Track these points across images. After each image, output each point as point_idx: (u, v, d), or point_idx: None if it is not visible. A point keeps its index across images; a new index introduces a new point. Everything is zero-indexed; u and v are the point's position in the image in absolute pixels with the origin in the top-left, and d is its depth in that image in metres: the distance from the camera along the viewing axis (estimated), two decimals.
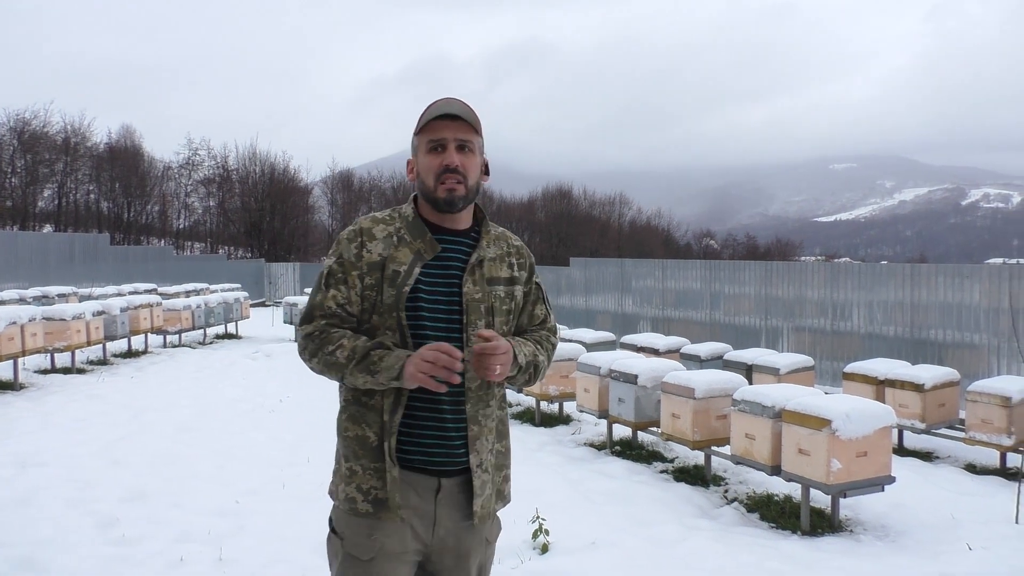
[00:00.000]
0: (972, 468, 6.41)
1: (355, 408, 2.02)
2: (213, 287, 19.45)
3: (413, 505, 1.98)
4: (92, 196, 36.46)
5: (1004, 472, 6.18)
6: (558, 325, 11.28)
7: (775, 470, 5.08)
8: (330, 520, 2.07)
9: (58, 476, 5.58)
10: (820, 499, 5.14)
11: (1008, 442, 6.04)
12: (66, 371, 10.41)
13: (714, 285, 12.80)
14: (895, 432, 6.86)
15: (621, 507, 5.21)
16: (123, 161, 36.54)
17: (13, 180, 32.46)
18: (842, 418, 4.65)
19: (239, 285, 20.71)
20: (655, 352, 8.72)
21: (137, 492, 5.24)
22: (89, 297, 15.49)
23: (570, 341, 9.06)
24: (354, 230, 2.04)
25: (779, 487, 5.53)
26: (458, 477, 2.02)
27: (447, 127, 2.00)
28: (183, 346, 13.84)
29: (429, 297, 1.99)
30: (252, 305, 18.26)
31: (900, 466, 5.53)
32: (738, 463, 5.42)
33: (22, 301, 13.39)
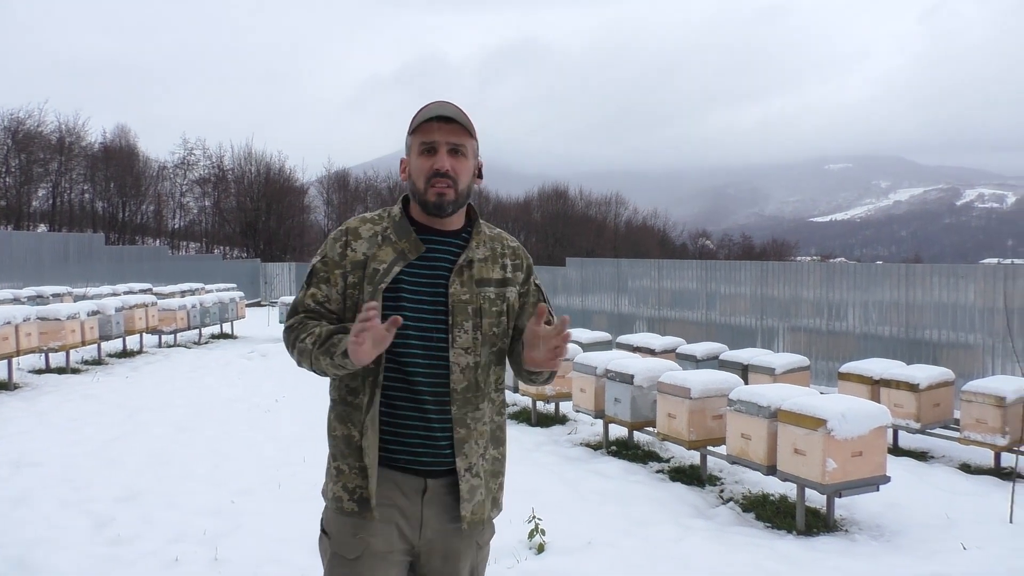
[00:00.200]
0: (967, 468, 6.42)
1: (341, 408, 2.02)
2: (208, 287, 19.40)
3: (399, 505, 1.97)
4: (87, 196, 36.36)
5: (998, 472, 6.20)
6: None
7: (771, 470, 5.09)
8: (321, 520, 2.08)
9: (52, 476, 5.56)
10: (815, 499, 5.15)
11: (1002, 442, 6.06)
12: (61, 371, 10.38)
13: (710, 285, 12.81)
14: (890, 432, 6.87)
15: (617, 507, 5.21)
16: (118, 161, 36.43)
17: (7, 180, 32.36)
18: (837, 418, 4.66)
19: (235, 285, 20.67)
20: (651, 352, 8.73)
21: (132, 492, 5.23)
22: (84, 297, 15.43)
23: None
24: (341, 230, 2.06)
25: (775, 487, 5.54)
26: (445, 479, 2.00)
27: (439, 130, 1.99)
28: (178, 346, 13.81)
29: (412, 297, 1.98)
30: (248, 305, 18.22)
31: (895, 466, 5.54)
32: (734, 463, 5.43)
33: (16, 301, 13.34)
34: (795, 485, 4.95)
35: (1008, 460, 6.21)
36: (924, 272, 9.80)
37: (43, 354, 10.26)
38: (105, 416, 7.73)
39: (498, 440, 2.10)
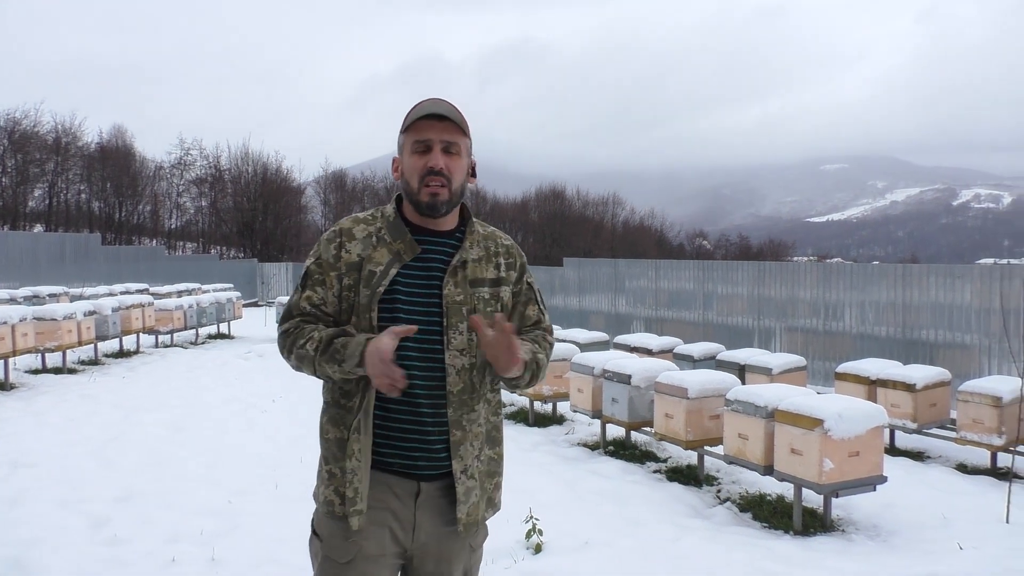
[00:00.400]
0: (963, 468, 6.43)
1: (335, 410, 2.00)
2: (205, 287, 19.37)
3: (392, 508, 1.96)
4: (83, 196, 36.31)
5: (995, 472, 6.21)
6: (553, 325, 11.28)
7: (768, 470, 5.09)
8: (312, 521, 2.06)
9: (49, 476, 5.55)
10: (812, 499, 5.15)
11: (999, 442, 6.07)
12: (57, 371, 10.36)
13: (707, 285, 12.82)
14: (887, 432, 6.88)
15: (614, 507, 5.21)
16: (114, 161, 36.38)
17: (3, 180, 32.31)
18: (834, 418, 4.66)
19: (231, 285, 20.63)
20: (648, 352, 8.73)
21: (128, 492, 5.22)
22: (80, 297, 15.41)
23: (564, 341, 9.07)
24: (334, 231, 2.03)
25: (772, 487, 5.55)
26: (439, 482, 1.98)
27: (433, 128, 1.96)
28: (175, 346, 13.79)
29: (408, 299, 1.95)
30: (244, 305, 18.19)
31: (892, 466, 5.55)
32: (731, 463, 5.43)
33: (12, 301, 13.31)
34: (792, 485, 4.95)
35: (1004, 460, 6.22)
36: (920, 272, 9.81)
37: (39, 354, 10.24)
38: (102, 416, 7.72)
39: (494, 440, 2.08)
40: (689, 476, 5.94)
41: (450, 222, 2.05)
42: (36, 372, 10.24)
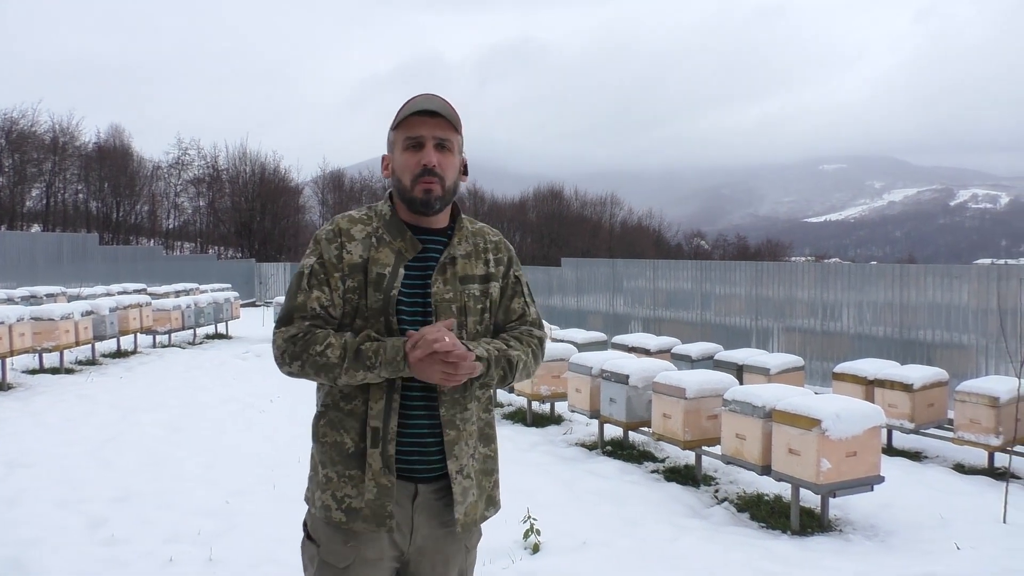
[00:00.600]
0: (960, 468, 6.44)
1: (334, 414, 1.95)
2: (203, 287, 19.36)
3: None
4: (81, 196, 36.27)
5: (992, 472, 6.22)
6: (550, 325, 11.31)
7: (765, 470, 5.10)
8: (305, 525, 2.02)
9: (47, 476, 5.55)
10: (810, 499, 5.16)
11: (996, 442, 6.08)
12: (54, 371, 10.35)
13: (705, 285, 12.83)
14: (884, 432, 6.89)
15: (612, 507, 5.22)
16: (112, 161, 36.35)
17: (1, 180, 32.25)
18: (832, 418, 4.67)
19: (229, 285, 20.62)
20: (646, 352, 8.73)
21: (126, 492, 5.21)
22: (78, 297, 15.39)
23: (561, 341, 9.08)
24: (332, 230, 1.97)
25: (769, 487, 5.55)
26: (435, 483, 1.95)
27: (425, 124, 1.92)
28: (173, 346, 13.77)
29: (409, 300, 1.93)
30: (242, 305, 18.20)
31: (889, 466, 5.56)
32: (728, 463, 5.44)
33: (10, 301, 13.29)
34: (790, 485, 4.96)
35: (1001, 460, 6.23)
36: (918, 272, 9.83)
37: (37, 354, 10.22)
38: (99, 416, 7.71)
39: (488, 438, 2.06)
40: (687, 476, 5.95)
41: (442, 220, 2.02)
42: (33, 372, 10.22)
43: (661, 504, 5.32)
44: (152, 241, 38.57)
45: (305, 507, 2.04)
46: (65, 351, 10.45)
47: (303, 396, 8.47)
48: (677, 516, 5.09)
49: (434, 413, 1.94)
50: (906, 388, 6.79)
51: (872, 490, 4.92)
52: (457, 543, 2.01)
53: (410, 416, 1.93)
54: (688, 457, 6.24)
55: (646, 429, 6.43)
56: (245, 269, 27.68)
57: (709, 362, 8.20)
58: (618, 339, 9.56)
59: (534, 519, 4.43)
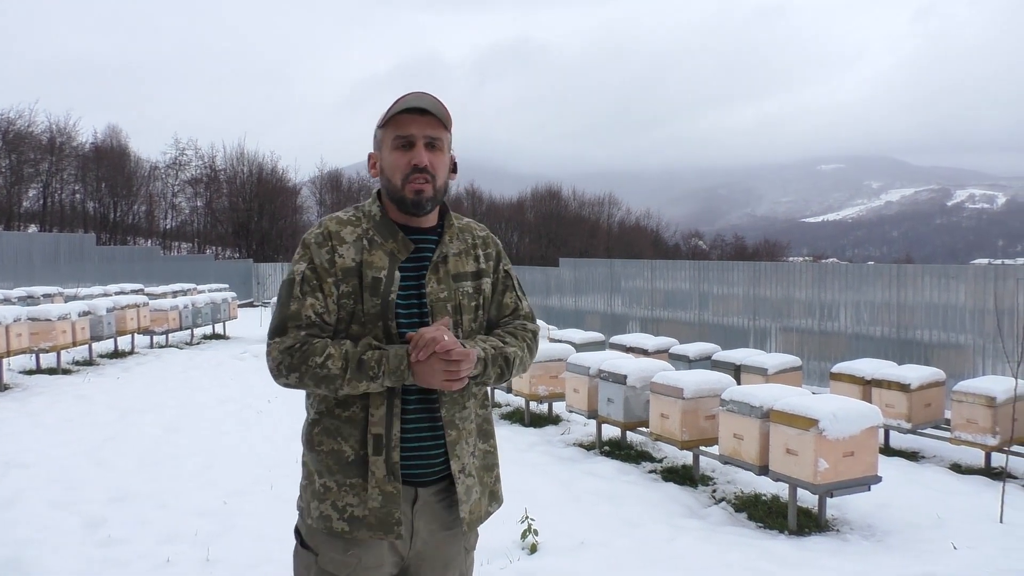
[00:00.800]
0: (957, 468, 6.45)
1: (329, 421, 1.89)
2: (200, 287, 19.35)
3: None
4: (78, 196, 36.20)
5: (989, 472, 6.23)
6: (548, 325, 11.31)
7: (763, 470, 5.10)
8: (297, 532, 1.97)
9: (44, 477, 5.54)
10: (807, 499, 5.17)
11: (993, 442, 6.09)
12: (51, 372, 10.34)
13: (703, 285, 12.84)
14: (881, 432, 6.90)
15: (610, 507, 5.22)
16: (109, 161, 36.28)
17: None
18: (829, 418, 4.67)
19: (227, 285, 20.61)
20: (644, 352, 8.74)
21: (123, 493, 5.21)
22: (75, 297, 15.38)
23: (559, 341, 9.08)
24: (321, 233, 1.91)
25: (767, 487, 5.55)
26: (435, 486, 1.93)
27: (415, 122, 1.88)
28: (170, 347, 13.76)
29: (404, 302, 1.90)
30: (240, 305, 18.18)
31: (886, 466, 5.57)
32: (726, 463, 5.44)
33: (7, 301, 13.28)
34: (787, 485, 4.96)
35: (998, 460, 6.24)
36: (915, 273, 9.84)
37: (34, 355, 10.21)
38: (96, 417, 7.70)
39: (486, 434, 2.04)
40: (685, 476, 5.95)
41: (431, 218, 1.99)
42: (30, 373, 10.21)
43: (659, 504, 5.32)
44: (149, 241, 38.51)
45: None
46: (62, 351, 10.44)
47: (300, 397, 8.45)
48: (675, 516, 5.10)
49: (435, 415, 1.91)
50: (903, 388, 6.80)
51: (869, 490, 4.93)
52: (456, 546, 1.99)
53: (411, 420, 1.90)
54: (686, 457, 6.25)
55: (644, 429, 6.43)
56: (242, 269, 27.66)
57: (707, 362, 8.21)
58: (616, 339, 9.57)
59: (532, 519, 4.43)
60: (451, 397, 1.92)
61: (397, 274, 1.89)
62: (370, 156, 1.99)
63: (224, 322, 15.94)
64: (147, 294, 16.80)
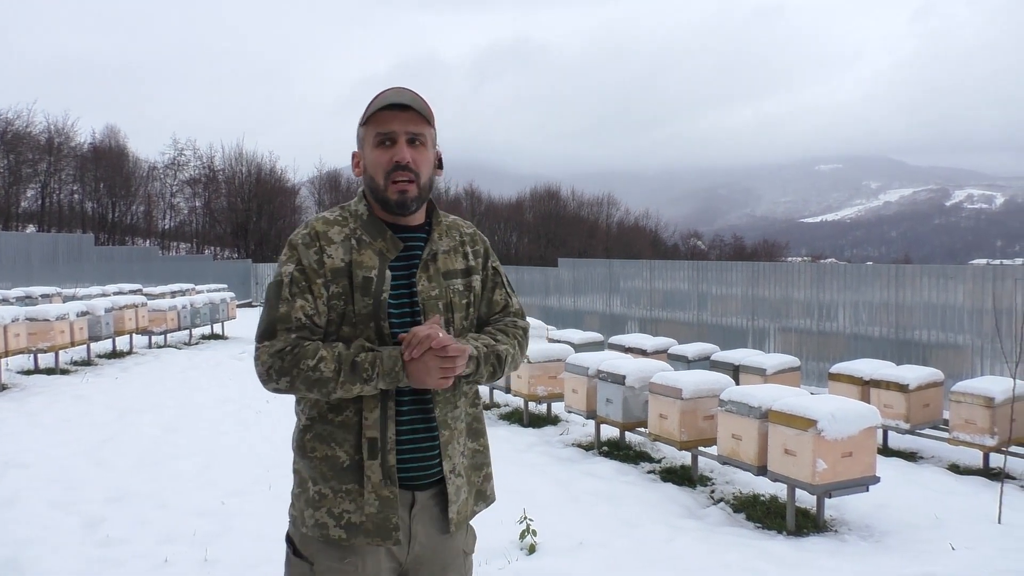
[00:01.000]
0: (956, 468, 6.46)
1: (322, 426, 1.86)
2: (199, 287, 19.34)
3: None
4: (76, 196, 36.18)
5: (987, 472, 6.24)
6: (546, 326, 11.30)
7: (761, 470, 5.11)
8: (289, 541, 1.93)
9: (42, 477, 5.54)
10: (805, 499, 5.17)
11: (991, 442, 6.09)
12: (50, 372, 10.33)
13: (701, 286, 12.85)
14: (880, 432, 6.90)
15: (609, 507, 5.22)
16: (107, 161, 36.27)
17: None
18: (827, 418, 4.68)
19: (225, 285, 20.60)
20: (643, 353, 8.74)
21: (122, 493, 5.21)
22: (73, 297, 15.36)
23: (558, 342, 9.08)
24: (308, 233, 1.87)
25: (765, 487, 5.56)
26: (432, 489, 1.90)
27: (396, 119, 1.84)
28: (168, 347, 13.76)
29: (396, 301, 1.87)
30: (238, 306, 18.18)
31: (885, 466, 5.56)
32: (725, 463, 5.45)
33: (5, 302, 13.27)
34: (785, 485, 4.96)
35: (996, 460, 6.24)
36: (914, 273, 9.85)
37: (32, 355, 10.20)
38: (95, 417, 7.70)
39: (476, 432, 2.01)
40: (683, 476, 5.95)
41: (419, 215, 1.95)
42: (28, 373, 10.20)
43: (657, 504, 5.33)
44: (148, 242, 38.48)
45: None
46: (60, 352, 10.44)
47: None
48: (673, 516, 5.10)
49: (428, 416, 1.89)
50: (902, 388, 6.81)
51: (868, 490, 4.93)
52: (454, 549, 1.97)
53: (405, 423, 1.87)
54: (684, 457, 6.25)
55: (642, 429, 6.43)
56: (241, 269, 27.65)
57: (705, 362, 8.21)
58: (615, 339, 9.57)
59: (530, 519, 4.43)
60: (444, 397, 1.90)
61: (388, 273, 1.86)
62: (354, 155, 1.96)
63: (222, 322, 15.94)
64: (145, 294, 16.79)
